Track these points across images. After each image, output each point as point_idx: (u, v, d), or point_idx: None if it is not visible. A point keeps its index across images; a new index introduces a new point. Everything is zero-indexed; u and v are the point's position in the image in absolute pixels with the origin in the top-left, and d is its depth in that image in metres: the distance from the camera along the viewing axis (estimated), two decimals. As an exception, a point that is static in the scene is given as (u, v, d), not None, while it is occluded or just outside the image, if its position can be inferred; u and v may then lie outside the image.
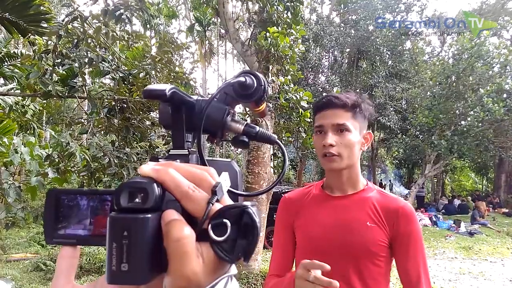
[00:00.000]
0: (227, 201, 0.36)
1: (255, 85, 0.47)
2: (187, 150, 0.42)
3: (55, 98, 3.71)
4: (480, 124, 11.18)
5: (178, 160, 0.39)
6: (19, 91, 5.80)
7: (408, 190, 15.57)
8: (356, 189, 1.29)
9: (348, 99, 1.24)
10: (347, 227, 1.22)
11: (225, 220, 0.33)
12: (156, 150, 4.21)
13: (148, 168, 0.35)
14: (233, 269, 0.36)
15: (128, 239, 0.31)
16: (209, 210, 0.34)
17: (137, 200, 0.32)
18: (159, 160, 0.39)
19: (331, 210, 1.27)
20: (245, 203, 0.34)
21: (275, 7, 5.08)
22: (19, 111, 5.71)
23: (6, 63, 6.06)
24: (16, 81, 6.16)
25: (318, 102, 1.32)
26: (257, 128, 0.48)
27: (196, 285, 0.32)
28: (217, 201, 0.35)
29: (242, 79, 0.46)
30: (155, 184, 0.33)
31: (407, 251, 1.22)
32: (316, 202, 1.32)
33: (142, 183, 0.33)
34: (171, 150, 0.42)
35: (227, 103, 0.46)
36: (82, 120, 4.39)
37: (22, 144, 3.72)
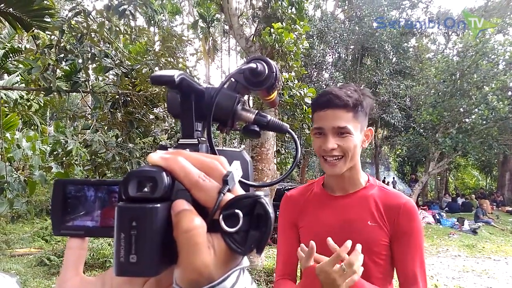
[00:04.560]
0: (239, 191, 0.35)
1: (267, 71, 0.45)
2: (196, 139, 0.40)
3: (59, 93, 3.71)
4: (484, 122, 11.12)
5: (187, 149, 0.37)
6: (23, 85, 5.80)
7: (412, 188, 15.52)
8: (357, 187, 1.27)
9: (350, 98, 1.18)
10: (349, 227, 1.21)
11: (237, 211, 0.32)
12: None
13: (156, 156, 0.33)
14: (245, 262, 0.35)
15: (136, 230, 0.30)
16: (220, 200, 0.32)
17: (145, 189, 0.31)
18: (168, 149, 0.38)
19: (333, 210, 1.26)
20: (258, 193, 0.33)
21: (279, 2, 5.05)
22: (23, 105, 5.70)
23: (10, 58, 6.06)
24: (20, 76, 6.16)
25: (317, 99, 1.24)
26: (268, 117, 0.46)
27: (207, 278, 0.31)
28: (229, 190, 0.33)
29: (253, 65, 0.44)
30: (164, 173, 0.32)
31: (405, 249, 1.20)
32: (318, 202, 1.31)
33: (151, 171, 0.32)
34: (180, 139, 0.40)
35: (237, 91, 0.44)
36: (86, 115, 4.39)
37: (24, 138, 3.73)
